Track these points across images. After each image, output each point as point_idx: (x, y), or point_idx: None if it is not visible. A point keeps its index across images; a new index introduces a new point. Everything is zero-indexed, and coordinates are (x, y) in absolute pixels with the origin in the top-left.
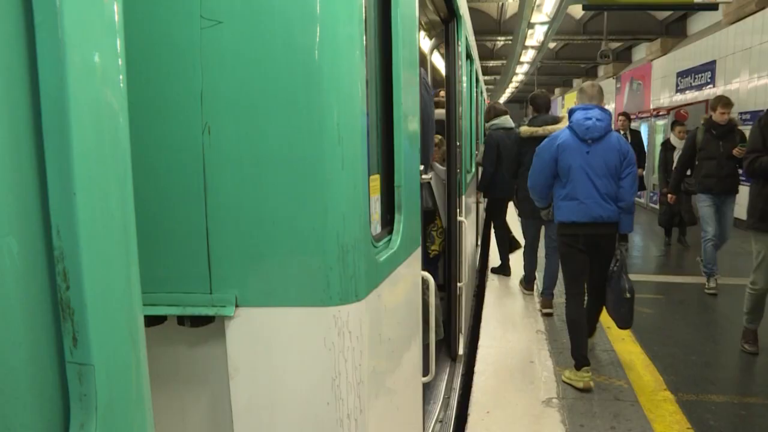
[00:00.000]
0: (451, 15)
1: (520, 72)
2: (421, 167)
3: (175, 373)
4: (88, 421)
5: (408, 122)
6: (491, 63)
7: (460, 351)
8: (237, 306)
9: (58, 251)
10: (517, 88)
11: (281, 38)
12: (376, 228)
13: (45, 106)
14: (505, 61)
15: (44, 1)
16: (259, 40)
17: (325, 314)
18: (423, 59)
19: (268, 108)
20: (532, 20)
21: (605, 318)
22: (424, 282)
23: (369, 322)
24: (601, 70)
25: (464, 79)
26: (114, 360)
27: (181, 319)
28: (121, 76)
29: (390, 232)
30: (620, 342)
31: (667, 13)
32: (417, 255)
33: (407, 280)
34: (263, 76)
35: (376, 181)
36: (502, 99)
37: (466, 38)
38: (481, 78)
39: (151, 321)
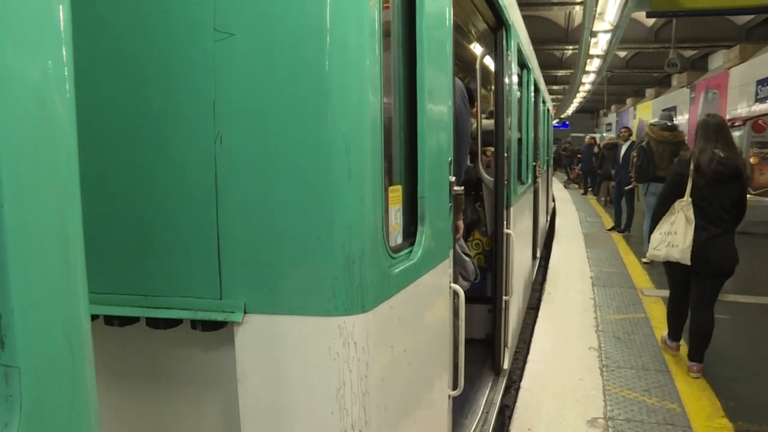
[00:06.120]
0: (499, 23)
1: (587, 81)
2: (453, 179)
3: (188, 375)
4: (12, 422)
5: (434, 132)
6: (560, 72)
7: (505, 365)
8: (246, 312)
9: None
10: (585, 98)
11: (292, 50)
12: (396, 239)
13: None
14: (573, 71)
15: None
16: (270, 52)
17: (330, 324)
18: (472, 68)
19: (279, 118)
20: (594, 28)
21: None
22: (455, 295)
23: (377, 334)
24: (675, 80)
25: (515, 88)
26: (45, 362)
27: (195, 324)
28: (67, 86)
29: (413, 244)
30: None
31: (748, 17)
32: (444, 267)
33: (431, 293)
34: (274, 86)
35: (396, 191)
36: (571, 109)
37: (519, 46)
38: (544, 87)
39: (168, 324)
